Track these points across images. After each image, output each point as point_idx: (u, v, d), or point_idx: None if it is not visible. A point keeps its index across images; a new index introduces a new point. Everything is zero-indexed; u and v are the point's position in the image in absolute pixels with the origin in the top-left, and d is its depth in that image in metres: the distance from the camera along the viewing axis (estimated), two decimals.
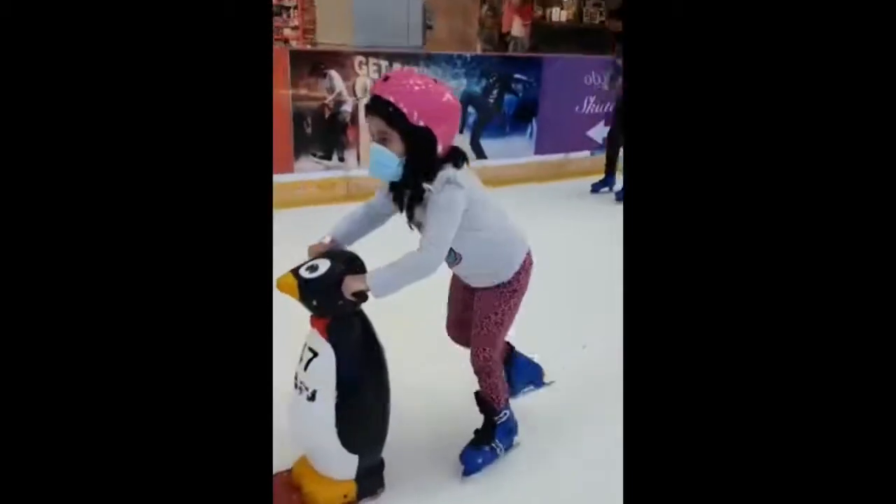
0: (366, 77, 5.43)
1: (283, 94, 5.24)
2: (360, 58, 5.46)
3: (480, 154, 6.22)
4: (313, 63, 5.33)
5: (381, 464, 2.11)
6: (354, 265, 1.89)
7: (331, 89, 5.36)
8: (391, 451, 2.11)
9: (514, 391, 2.55)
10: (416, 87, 1.78)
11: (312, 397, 1.88)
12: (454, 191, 1.80)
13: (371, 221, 2.04)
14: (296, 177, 5.41)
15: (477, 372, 2.17)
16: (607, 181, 6.08)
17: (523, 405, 2.54)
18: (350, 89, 5.42)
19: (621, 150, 5.77)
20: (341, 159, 5.56)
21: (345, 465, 1.98)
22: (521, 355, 2.63)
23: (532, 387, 2.71)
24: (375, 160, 1.81)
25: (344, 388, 1.88)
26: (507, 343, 2.49)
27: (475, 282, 2.14)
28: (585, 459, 2.34)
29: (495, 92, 6.21)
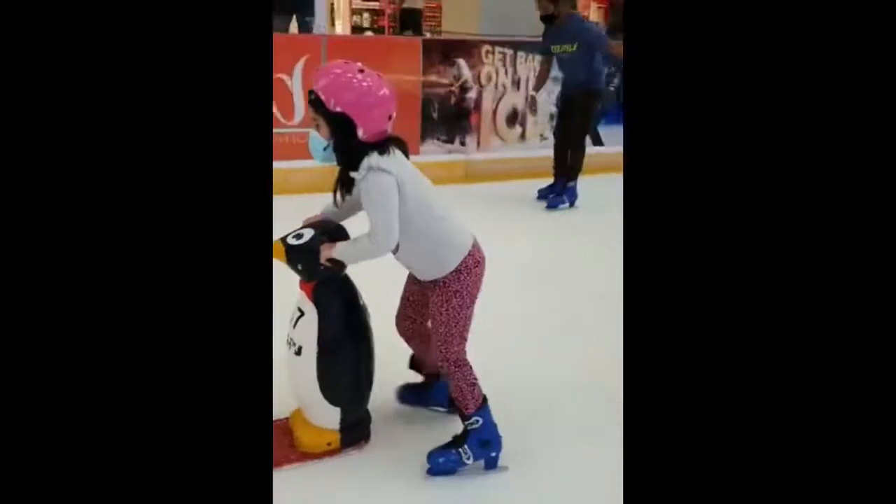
0: (490, 65, 5.60)
1: (415, 81, 5.53)
2: (486, 47, 5.63)
3: (598, 141, 6.17)
4: (443, 51, 5.57)
5: (367, 418, 2.32)
6: (337, 235, 2.09)
7: (457, 77, 5.58)
8: (380, 408, 2.31)
9: (421, 402, 2.53)
10: (338, 77, 1.92)
11: (299, 352, 2.12)
12: (379, 176, 1.90)
13: (351, 207, 2.17)
14: (421, 158, 5.70)
15: (443, 374, 2.21)
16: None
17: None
18: (475, 77, 5.61)
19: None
20: (462, 143, 5.77)
21: (328, 416, 2.20)
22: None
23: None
24: (310, 143, 2.00)
25: (324, 346, 2.10)
26: None
27: (420, 274, 2.18)
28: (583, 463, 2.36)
29: (615, 80, 6.12)
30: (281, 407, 2.27)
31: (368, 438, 2.32)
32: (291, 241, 2.05)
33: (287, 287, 2.09)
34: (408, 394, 2.54)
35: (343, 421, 2.22)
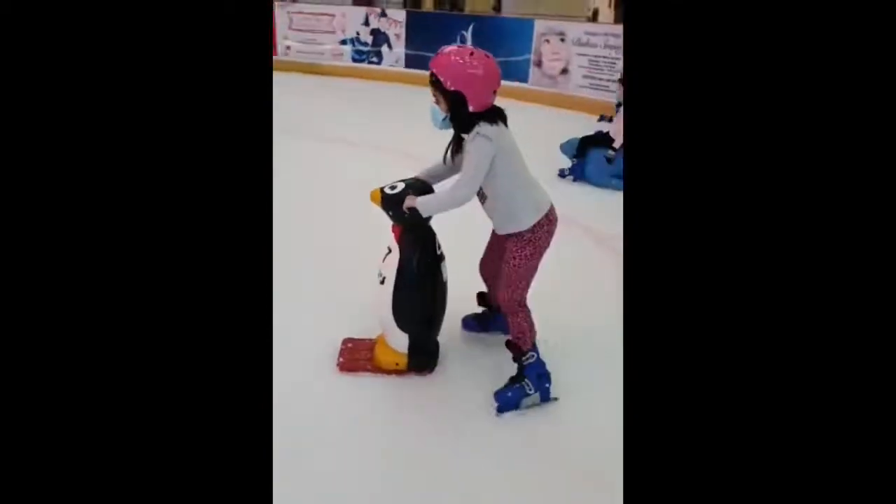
0: None
1: None
2: None
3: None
4: None
5: (434, 351, 2.77)
6: (423, 191, 2.54)
7: None
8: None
9: (482, 328, 3.03)
10: (452, 60, 2.35)
11: (382, 282, 2.64)
12: (481, 141, 2.32)
13: (448, 170, 2.65)
14: None
15: (503, 313, 2.61)
16: None
17: None
18: None
19: None
20: None
21: (399, 340, 2.68)
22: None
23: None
24: (431, 114, 2.47)
25: (400, 279, 2.59)
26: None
27: (498, 227, 2.61)
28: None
29: None
30: (369, 330, 2.84)
31: (433, 369, 2.76)
32: (387, 190, 2.55)
33: (383, 230, 2.65)
34: (472, 322, 3.07)
35: (411, 347, 2.69)
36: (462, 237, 2.90)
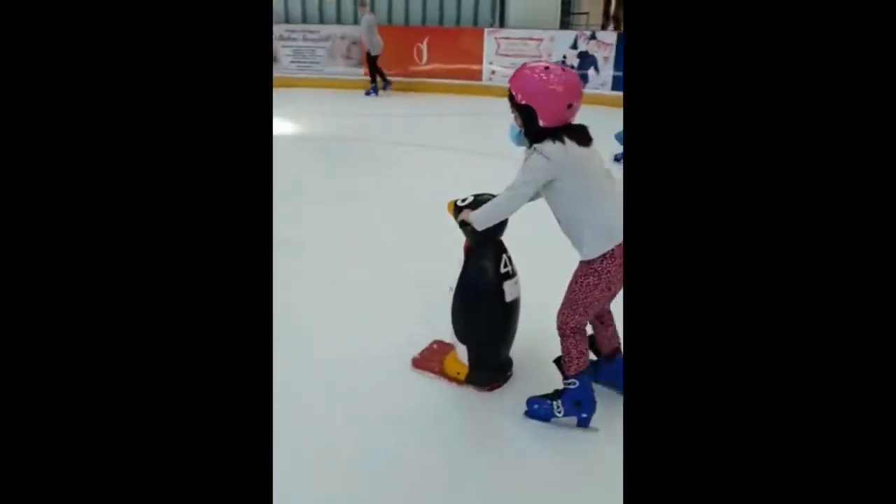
0: None
1: None
2: None
3: None
4: None
5: (501, 370, 2.82)
6: (484, 203, 2.57)
7: None
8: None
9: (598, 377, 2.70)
10: (525, 74, 2.35)
11: (450, 290, 2.76)
12: (537, 158, 2.29)
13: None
14: None
15: (559, 333, 2.52)
16: None
17: None
18: None
19: None
20: None
21: (461, 350, 2.80)
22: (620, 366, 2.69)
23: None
24: (510, 130, 2.48)
25: (461, 292, 2.71)
26: (616, 341, 2.74)
27: (575, 248, 2.47)
28: None
29: None
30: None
31: (494, 388, 2.80)
32: (459, 202, 2.65)
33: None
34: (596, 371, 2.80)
35: (471, 360, 2.78)
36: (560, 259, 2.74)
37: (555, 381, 2.57)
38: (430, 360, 2.96)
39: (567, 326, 2.46)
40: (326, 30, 11.57)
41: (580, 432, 2.51)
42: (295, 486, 2.14)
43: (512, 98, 2.37)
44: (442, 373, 2.87)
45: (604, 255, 2.33)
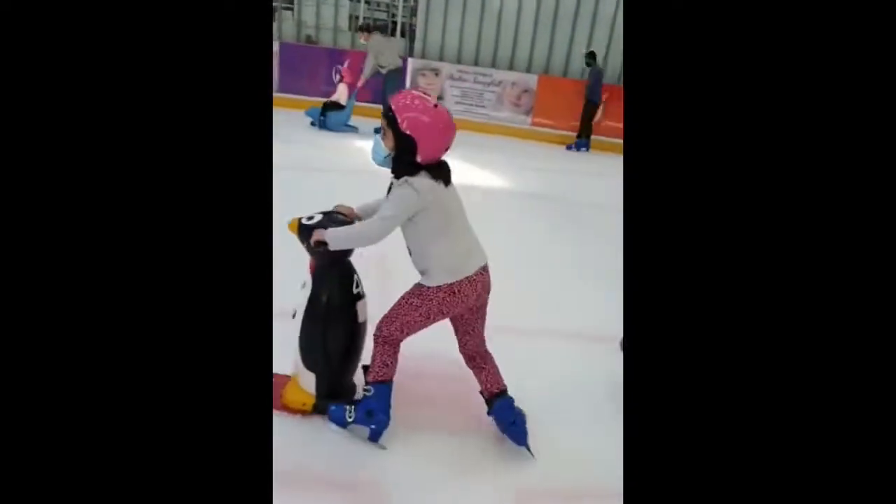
0: None
1: None
2: None
3: None
4: None
5: (346, 395, 2.66)
6: (341, 223, 2.46)
7: None
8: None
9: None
10: (417, 106, 2.29)
11: (294, 316, 2.56)
12: (408, 190, 2.27)
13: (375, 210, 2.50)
14: None
15: (374, 338, 2.48)
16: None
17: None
18: None
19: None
20: None
21: (306, 379, 2.60)
22: (504, 409, 2.60)
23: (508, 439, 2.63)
24: (373, 147, 2.40)
25: (308, 315, 2.52)
26: (497, 385, 2.62)
27: (414, 265, 2.49)
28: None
29: None
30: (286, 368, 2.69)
31: None
32: (305, 220, 2.48)
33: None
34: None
35: (319, 387, 2.60)
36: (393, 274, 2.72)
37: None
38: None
39: (381, 333, 2.46)
40: (499, 75, 11.68)
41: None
42: None
43: (393, 123, 2.28)
44: (283, 407, 2.64)
45: (439, 287, 2.37)
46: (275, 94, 9.86)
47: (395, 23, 11.93)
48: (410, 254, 2.47)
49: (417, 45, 11.52)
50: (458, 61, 11.46)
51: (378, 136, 2.38)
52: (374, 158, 2.43)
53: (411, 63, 11.29)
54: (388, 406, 2.48)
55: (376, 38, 9.23)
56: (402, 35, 11.87)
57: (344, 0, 11.75)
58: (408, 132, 2.26)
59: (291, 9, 11.73)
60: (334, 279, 2.54)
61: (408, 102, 2.31)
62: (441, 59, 11.24)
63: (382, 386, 2.47)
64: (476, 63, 11.51)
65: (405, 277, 2.55)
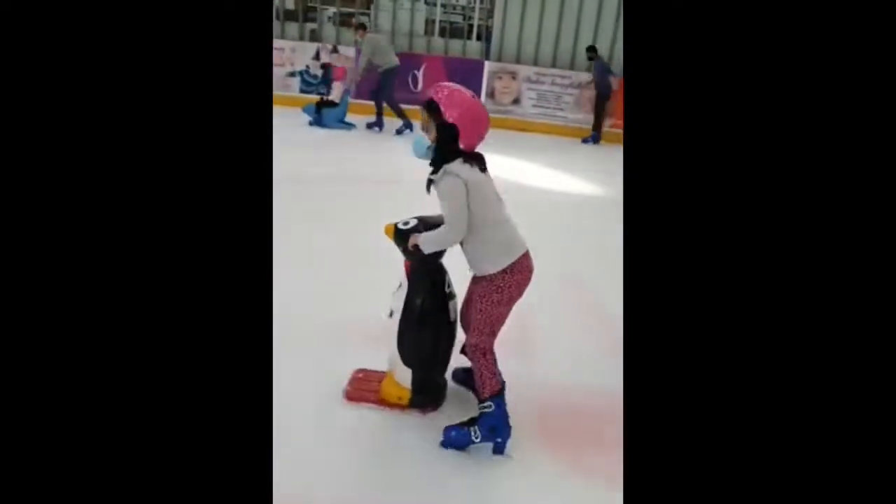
0: None
1: None
2: None
3: None
4: None
5: (439, 391, 2.77)
6: (434, 226, 2.53)
7: None
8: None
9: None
10: (459, 95, 2.39)
11: (391, 315, 2.68)
12: (450, 179, 2.36)
13: None
14: None
15: (468, 356, 2.54)
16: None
17: None
18: None
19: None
20: None
21: (403, 374, 2.70)
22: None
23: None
24: (416, 140, 2.48)
25: (405, 315, 2.63)
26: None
27: (473, 269, 2.54)
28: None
29: None
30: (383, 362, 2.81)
31: (437, 407, 2.75)
32: (400, 226, 2.59)
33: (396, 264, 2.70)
34: (462, 374, 2.91)
35: (414, 383, 2.69)
36: None
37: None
38: (363, 389, 2.82)
39: (477, 348, 2.50)
40: (578, 77, 11.56)
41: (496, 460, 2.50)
42: None
43: (437, 112, 2.36)
44: (381, 401, 2.75)
45: (503, 271, 2.43)
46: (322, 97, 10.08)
47: (471, 26, 11.93)
48: (463, 247, 2.50)
49: (494, 47, 11.49)
50: (535, 63, 11.39)
51: (419, 133, 2.46)
52: (415, 152, 2.50)
53: (487, 66, 11.28)
54: (507, 417, 2.50)
55: (370, 36, 9.49)
56: (479, 38, 11.86)
57: (420, 4, 11.81)
58: (451, 120, 2.34)
59: (368, 14, 11.88)
60: (428, 281, 2.64)
61: (448, 93, 2.39)
62: (518, 61, 11.21)
63: (498, 398, 2.49)
64: (554, 65, 11.42)
65: None
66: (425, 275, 2.63)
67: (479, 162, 2.45)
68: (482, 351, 2.49)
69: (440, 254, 2.60)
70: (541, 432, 2.69)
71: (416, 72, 11.28)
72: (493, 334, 2.52)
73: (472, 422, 2.52)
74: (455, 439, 2.52)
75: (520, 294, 2.51)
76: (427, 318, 2.62)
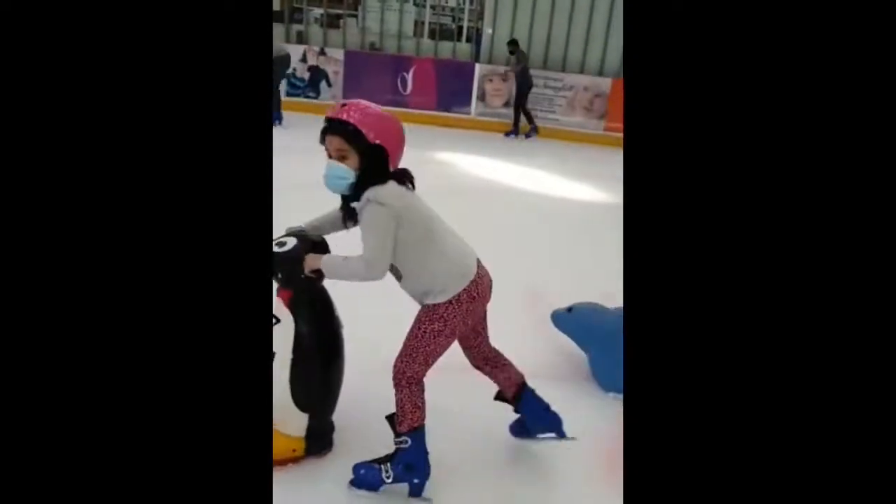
0: None
1: None
2: None
3: None
4: None
5: (331, 428, 2.39)
6: (320, 247, 2.19)
7: None
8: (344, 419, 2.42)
9: (529, 433, 2.54)
10: (377, 113, 2.04)
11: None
12: (375, 209, 1.98)
13: (333, 223, 2.29)
14: None
15: (394, 383, 2.20)
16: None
17: None
18: None
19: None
20: None
21: (295, 422, 2.29)
22: (533, 398, 2.48)
23: (553, 435, 2.53)
24: (333, 174, 2.05)
25: (299, 353, 2.22)
26: (518, 378, 2.47)
27: (414, 298, 2.22)
28: None
29: None
30: None
31: (331, 447, 2.40)
32: (275, 248, 2.16)
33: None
34: (517, 428, 2.57)
35: (309, 428, 2.31)
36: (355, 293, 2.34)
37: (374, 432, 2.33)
38: None
39: (403, 376, 2.16)
40: (570, 79, 11.28)
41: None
42: None
43: (357, 137, 1.99)
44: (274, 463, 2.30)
45: (449, 301, 2.12)
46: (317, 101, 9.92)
47: (460, 27, 11.65)
48: (400, 280, 2.16)
49: (484, 49, 11.22)
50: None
51: (334, 162, 2.04)
52: (332, 186, 2.09)
53: (478, 69, 11.01)
54: (426, 453, 2.20)
55: None
56: (468, 40, 11.59)
57: (409, 6, 11.56)
58: (377, 141, 2.00)
59: (356, 16, 11.62)
60: (318, 307, 2.27)
61: (362, 112, 2.02)
62: (509, 63, 10.94)
63: (417, 433, 2.17)
64: (545, 67, 11.11)
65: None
66: (312, 303, 2.24)
67: (409, 180, 2.11)
68: (408, 380, 2.16)
69: (321, 277, 2.19)
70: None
71: (405, 74, 11.01)
72: (425, 365, 2.18)
73: (385, 458, 2.21)
74: (364, 478, 2.21)
75: (466, 327, 2.21)
76: (323, 354, 2.26)
